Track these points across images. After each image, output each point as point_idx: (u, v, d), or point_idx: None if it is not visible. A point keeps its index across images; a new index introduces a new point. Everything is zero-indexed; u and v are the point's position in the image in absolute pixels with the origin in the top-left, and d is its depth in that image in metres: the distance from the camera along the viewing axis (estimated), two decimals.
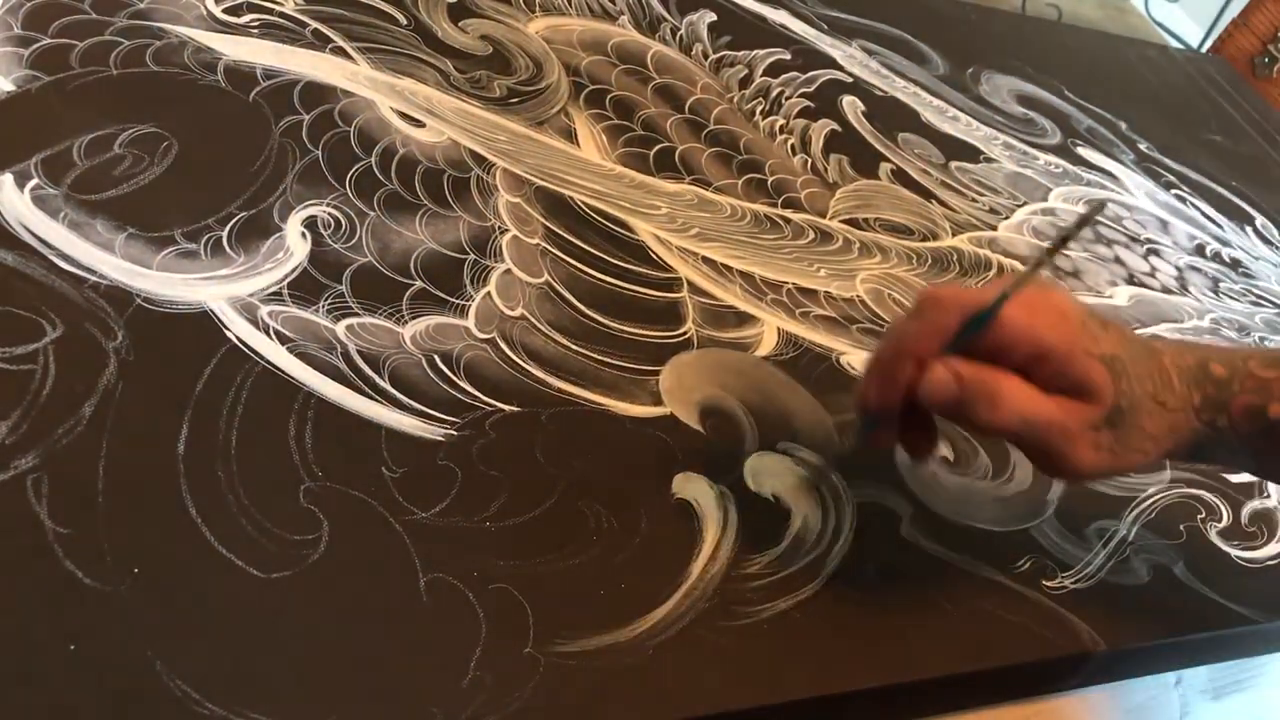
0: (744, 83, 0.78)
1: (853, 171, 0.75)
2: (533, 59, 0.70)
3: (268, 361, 0.46)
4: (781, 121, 0.76)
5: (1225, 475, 0.66)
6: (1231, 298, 0.86)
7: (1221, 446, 0.47)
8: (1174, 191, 0.98)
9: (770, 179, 0.70)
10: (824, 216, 0.69)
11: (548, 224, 0.59)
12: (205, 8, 0.61)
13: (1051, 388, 0.42)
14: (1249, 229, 0.99)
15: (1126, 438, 0.44)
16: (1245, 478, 0.66)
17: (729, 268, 0.62)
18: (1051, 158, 0.92)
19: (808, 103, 0.79)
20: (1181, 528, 0.61)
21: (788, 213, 0.68)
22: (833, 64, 0.85)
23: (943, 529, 0.53)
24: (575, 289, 0.56)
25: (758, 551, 0.48)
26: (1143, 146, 1.03)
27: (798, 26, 0.87)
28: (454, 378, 0.49)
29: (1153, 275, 0.84)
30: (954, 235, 0.75)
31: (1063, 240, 0.44)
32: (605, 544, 0.46)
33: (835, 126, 0.78)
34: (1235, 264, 0.92)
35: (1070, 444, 0.43)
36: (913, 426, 0.46)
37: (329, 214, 0.53)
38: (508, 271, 0.55)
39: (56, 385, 0.42)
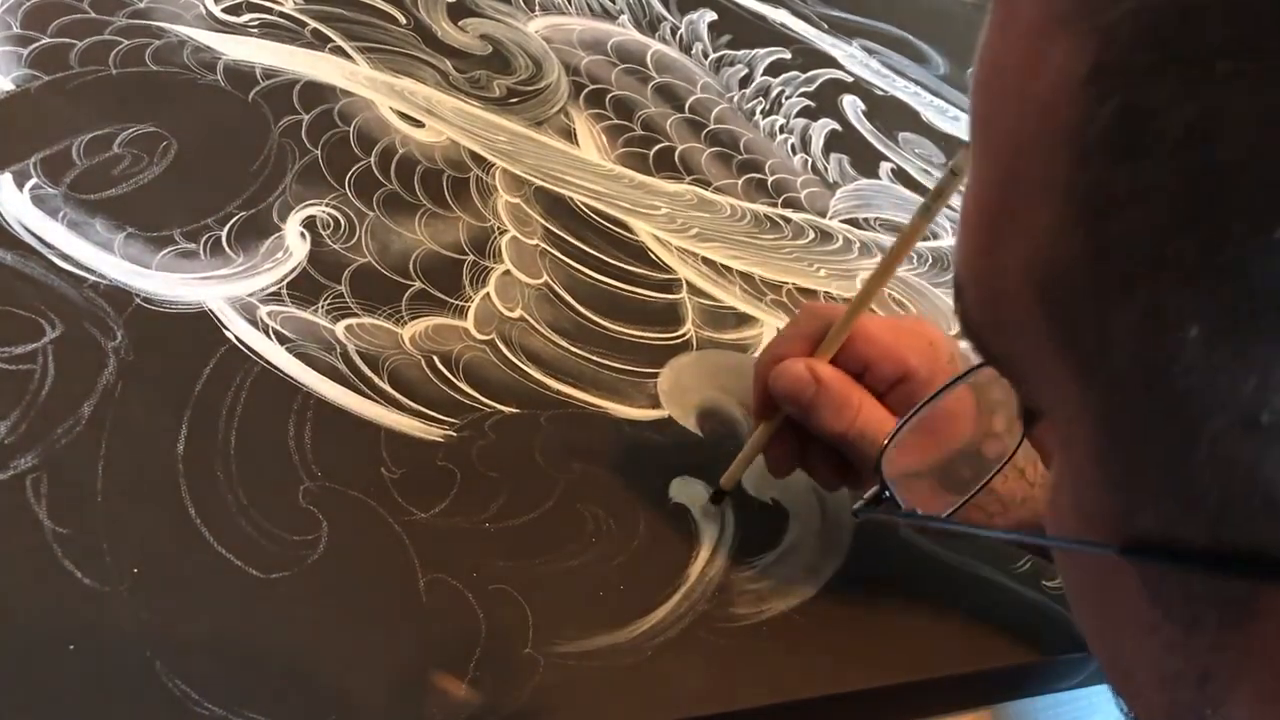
0: (744, 82, 0.78)
1: (853, 171, 0.75)
2: (532, 58, 0.70)
3: (267, 362, 0.46)
4: (781, 121, 0.76)
5: None
6: None
7: None
8: None
9: (770, 179, 0.70)
10: (824, 216, 0.70)
11: (547, 225, 0.59)
12: (205, 7, 0.61)
13: (903, 413, 0.41)
14: None
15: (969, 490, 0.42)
16: None
17: (729, 268, 0.62)
18: None
19: (808, 102, 0.79)
20: None
21: (788, 212, 0.68)
22: (833, 63, 0.85)
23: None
24: (574, 290, 0.56)
25: (756, 554, 0.48)
26: None
27: (798, 26, 0.87)
28: (453, 379, 0.49)
29: None
30: (954, 235, 0.75)
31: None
32: (604, 545, 0.46)
33: (835, 126, 0.78)
34: None
35: None
36: (818, 455, 0.47)
37: (328, 214, 0.53)
38: (507, 272, 0.55)
39: (56, 385, 0.42)
